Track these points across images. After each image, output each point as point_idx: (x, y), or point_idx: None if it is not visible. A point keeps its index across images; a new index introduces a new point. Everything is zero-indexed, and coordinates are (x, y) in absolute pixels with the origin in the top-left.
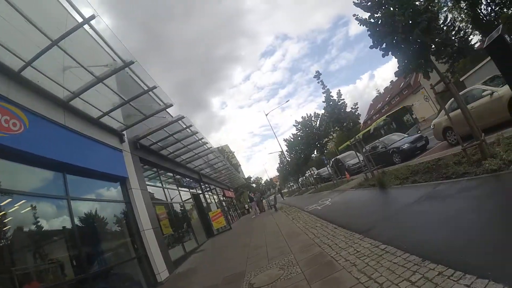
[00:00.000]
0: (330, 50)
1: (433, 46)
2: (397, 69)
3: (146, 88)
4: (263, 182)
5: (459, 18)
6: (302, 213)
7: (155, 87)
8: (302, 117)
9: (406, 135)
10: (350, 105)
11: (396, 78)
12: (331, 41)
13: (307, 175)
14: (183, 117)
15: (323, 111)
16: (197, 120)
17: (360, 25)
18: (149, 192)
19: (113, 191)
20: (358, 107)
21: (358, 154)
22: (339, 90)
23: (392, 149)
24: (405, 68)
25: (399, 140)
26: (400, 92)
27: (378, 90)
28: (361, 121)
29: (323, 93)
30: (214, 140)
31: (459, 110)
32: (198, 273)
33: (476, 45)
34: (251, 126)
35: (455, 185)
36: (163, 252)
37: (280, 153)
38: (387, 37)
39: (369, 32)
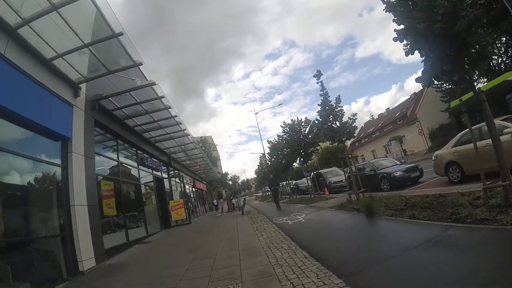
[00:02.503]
0: (334, 67)
1: (473, 51)
2: (420, 75)
3: (110, 33)
4: (239, 181)
5: None
6: (269, 224)
7: (121, 34)
8: (292, 120)
9: (399, 162)
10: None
11: (390, 108)
12: (336, 59)
13: (284, 183)
14: (154, 83)
15: (316, 117)
16: (188, 106)
17: (386, 11)
18: (101, 163)
19: (50, 151)
20: (356, 118)
21: (343, 170)
22: (339, 95)
23: (382, 174)
24: (433, 71)
25: (391, 166)
26: (394, 121)
27: (372, 115)
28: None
29: (321, 95)
30: (202, 129)
31: (470, 145)
32: (127, 272)
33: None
34: (240, 124)
35: (474, 233)
36: (94, 236)
37: (261, 155)
38: (421, 24)
39: (395, 18)
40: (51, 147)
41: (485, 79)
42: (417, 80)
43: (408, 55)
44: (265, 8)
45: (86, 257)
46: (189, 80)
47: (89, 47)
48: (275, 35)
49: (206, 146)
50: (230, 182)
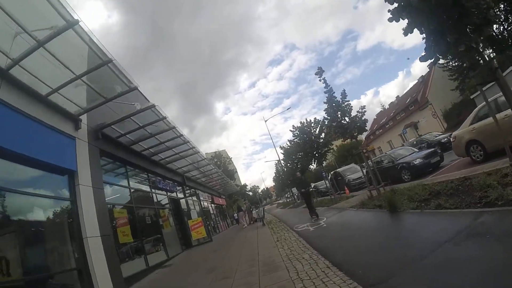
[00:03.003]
0: (337, 63)
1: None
2: (423, 53)
3: (100, 62)
4: (260, 191)
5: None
6: (290, 233)
7: (110, 61)
8: (300, 123)
9: (417, 149)
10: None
11: (400, 96)
12: (338, 55)
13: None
14: (154, 106)
15: (324, 116)
16: (199, 123)
17: None
18: (112, 192)
19: (57, 186)
20: (365, 111)
21: (361, 166)
22: (344, 90)
23: (401, 165)
24: (437, 47)
25: (409, 154)
26: (406, 107)
27: (383, 106)
28: (363, 135)
29: (326, 92)
30: (215, 144)
31: (489, 120)
32: None
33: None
34: (252, 134)
35: (510, 216)
36: (111, 266)
37: (276, 162)
38: None
39: None
40: (59, 182)
41: (491, 50)
42: (421, 59)
43: (407, 34)
44: (261, 15)
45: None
46: (196, 97)
47: (82, 78)
48: (275, 40)
49: (221, 160)
50: (251, 193)
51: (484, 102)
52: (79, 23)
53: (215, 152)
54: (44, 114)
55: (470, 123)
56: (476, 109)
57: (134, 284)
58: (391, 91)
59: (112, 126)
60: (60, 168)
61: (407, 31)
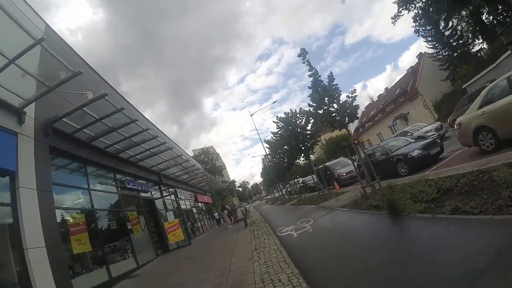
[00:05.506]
0: (326, 57)
1: None
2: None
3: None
4: (249, 186)
5: (460, 27)
6: (271, 238)
7: (43, 39)
8: (285, 113)
9: (413, 140)
10: None
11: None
12: (327, 49)
13: (291, 183)
14: (106, 94)
15: (309, 102)
16: (188, 120)
17: None
18: (67, 195)
19: None
20: (356, 95)
21: (351, 160)
22: (331, 73)
23: (397, 157)
24: None
25: (405, 146)
26: (395, 99)
27: (371, 98)
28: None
29: (310, 76)
30: (205, 140)
31: (503, 101)
32: None
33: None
34: (242, 129)
35: None
36: (59, 281)
37: (263, 156)
38: None
39: None
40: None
41: None
42: (433, 12)
43: None
44: (248, 11)
45: None
46: (184, 94)
47: (14, 62)
48: (263, 35)
49: (209, 156)
50: (240, 189)
51: (496, 81)
52: None
53: (202, 148)
54: None
55: (479, 106)
56: (486, 89)
57: None
58: (379, 84)
59: (65, 120)
60: None
61: None
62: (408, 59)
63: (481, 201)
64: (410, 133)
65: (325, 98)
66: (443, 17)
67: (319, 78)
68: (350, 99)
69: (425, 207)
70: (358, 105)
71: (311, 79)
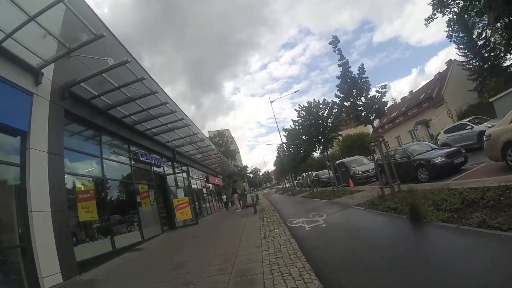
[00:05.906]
0: (352, 53)
1: None
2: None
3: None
4: (261, 174)
5: (493, 38)
6: (282, 228)
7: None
8: (308, 102)
9: (436, 147)
10: None
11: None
12: (353, 44)
13: (304, 175)
14: (127, 61)
15: (336, 93)
16: (206, 101)
17: None
18: (79, 161)
19: (6, 149)
20: (386, 91)
21: (369, 159)
22: (362, 64)
23: (419, 161)
24: None
25: (427, 151)
26: (419, 104)
27: (394, 100)
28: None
29: (340, 65)
30: (221, 123)
31: None
32: None
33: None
34: (259, 116)
35: None
36: (61, 247)
37: (279, 145)
38: None
39: None
40: (9, 144)
41: None
42: (473, 12)
43: None
44: None
45: (49, 273)
46: (205, 74)
47: (36, 20)
48: (289, 24)
49: (224, 139)
50: (252, 175)
51: None
52: None
53: (218, 130)
54: None
55: None
56: None
57: (92, 269)
58: (403, 86)
59: (83, 85)
60: (8, 127)
61: None
62: (435, 65)
63: (509, 217)
64: (469, 127)
65: (353, 90)
66: (480, 23)
67: (349, 69)
68: (380, 94)
69: (448, 217)
70: (387, 101)
71: (340, 68)
